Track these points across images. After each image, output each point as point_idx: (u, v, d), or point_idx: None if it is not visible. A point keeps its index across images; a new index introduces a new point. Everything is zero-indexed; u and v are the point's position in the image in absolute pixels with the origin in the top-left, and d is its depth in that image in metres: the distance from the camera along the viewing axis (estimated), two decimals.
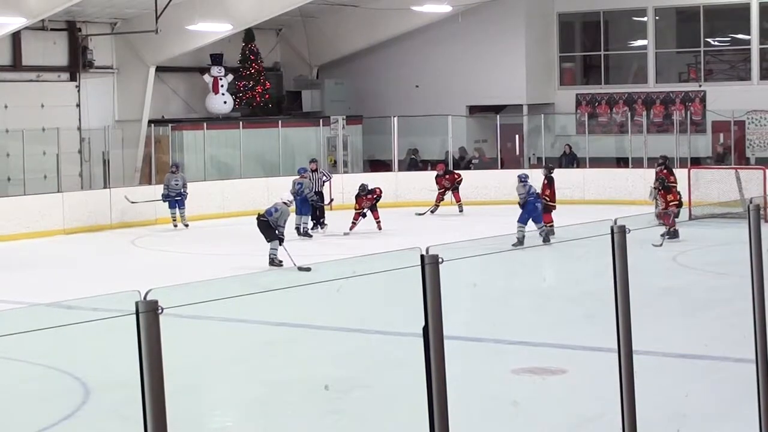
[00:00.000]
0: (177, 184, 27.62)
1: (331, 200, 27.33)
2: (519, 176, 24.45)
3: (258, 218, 20.56)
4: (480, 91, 35.72)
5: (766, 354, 6.95)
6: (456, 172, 30.64)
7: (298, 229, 24.76)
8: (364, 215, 25.49)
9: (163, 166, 30.40)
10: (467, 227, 25.92)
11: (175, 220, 27.57)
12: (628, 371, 5.98)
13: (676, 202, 23.48)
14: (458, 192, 29.76)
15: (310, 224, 25.42)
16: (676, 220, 22.56)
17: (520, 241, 21.94)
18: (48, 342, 11.20)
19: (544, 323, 14.86)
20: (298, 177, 25.76)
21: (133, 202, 27.63)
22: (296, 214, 24.60)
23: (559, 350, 13.16)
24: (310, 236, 24.99)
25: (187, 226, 27.53)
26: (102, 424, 10.78)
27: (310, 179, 26.05)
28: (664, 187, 23.42)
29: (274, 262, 20.05)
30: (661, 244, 21.40)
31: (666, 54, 35.61)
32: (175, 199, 27.51)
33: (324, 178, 27.21)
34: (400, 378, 11.38)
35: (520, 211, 22.85)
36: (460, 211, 29.41)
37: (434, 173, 30.17)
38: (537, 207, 22.75)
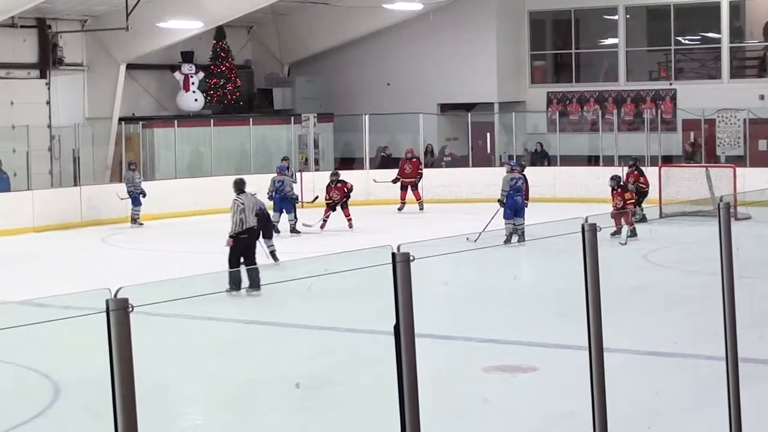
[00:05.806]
0: (139, 181, 27.60)
1: (316, 197, 27.06)
2: (510, 163, 24.12)
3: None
4: (451, 89, 35.73)
5: (736, 351, 6.99)
6: (421, 166, 30.67)
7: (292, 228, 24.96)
8: (334, 208, 25.45)
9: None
10: (439, 225, 25.92)
11: (138, 219, 27.46)
12: (599, 369, 6.00)
13: (633, 201, 23.47)
14: (418, 190, 29.80)
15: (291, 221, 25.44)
16: (644, 216, 22.65)
17: (509, 239, 21.98)
18: (18, 340, 11.14)
19: (515, 321, 14.88)
20: (277, 175, 25.63)
21: (123, 198, 27.58)
22: (276, 211, 24.60)
23: (530, 348, 13.19)
24: (299, 232, 24.96)
25: (142, 224, 27.54)
26: (72, 423, 10.73)
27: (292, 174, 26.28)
28: (621, 186, 23.44)
29: (275, 255, 19.74)
30: (625, 242, 21.57)
31: (637, 52, 35.72)
32: (139, 197, 27.45)
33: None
34: (372, 376, 11.38)
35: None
36: (420, 209, 29.49)
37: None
38: (517, 201, 22.66)
